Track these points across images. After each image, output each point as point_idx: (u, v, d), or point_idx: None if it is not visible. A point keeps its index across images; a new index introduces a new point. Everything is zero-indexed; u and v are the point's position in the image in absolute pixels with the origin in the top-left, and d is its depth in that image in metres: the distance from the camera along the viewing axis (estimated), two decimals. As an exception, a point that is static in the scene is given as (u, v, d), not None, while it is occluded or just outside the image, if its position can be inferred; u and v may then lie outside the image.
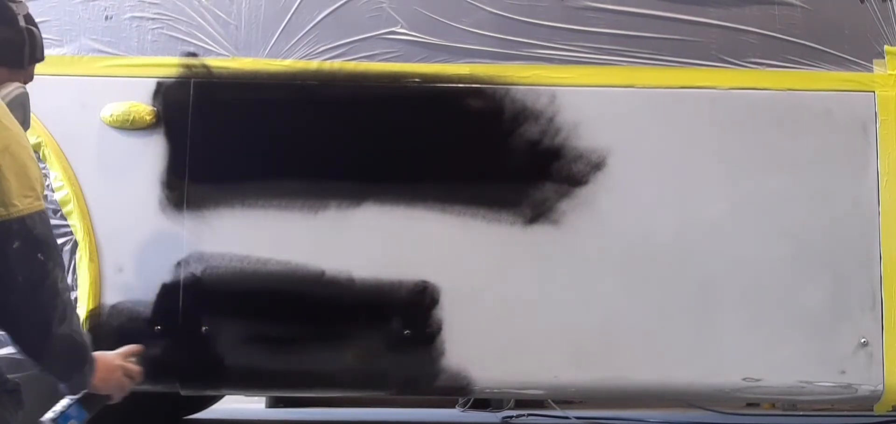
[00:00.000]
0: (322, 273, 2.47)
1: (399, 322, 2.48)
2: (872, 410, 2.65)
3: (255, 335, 2.49)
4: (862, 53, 2.55)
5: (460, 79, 2.53)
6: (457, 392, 2.70)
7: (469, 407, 4.48)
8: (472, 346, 2.47)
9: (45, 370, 1.89)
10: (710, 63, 2.55)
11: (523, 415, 3.90)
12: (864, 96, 2.52)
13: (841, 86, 2.53)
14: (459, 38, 2.56)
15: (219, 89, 2.53)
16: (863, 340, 2.47)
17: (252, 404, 4.94)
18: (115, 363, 2.03)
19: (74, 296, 2.50)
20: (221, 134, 2.52)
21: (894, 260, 2.47)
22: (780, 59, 2.55)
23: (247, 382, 2.57)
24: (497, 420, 3.88)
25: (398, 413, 4.48)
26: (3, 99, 1.87)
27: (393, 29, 2.56)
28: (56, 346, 1.82)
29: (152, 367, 2.47)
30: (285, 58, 2.54)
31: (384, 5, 2.57)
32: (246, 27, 2.57)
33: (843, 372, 2.47)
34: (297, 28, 2.56)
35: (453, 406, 4.54)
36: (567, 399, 3.72)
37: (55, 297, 1.80)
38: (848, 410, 4.36)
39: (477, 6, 2.57)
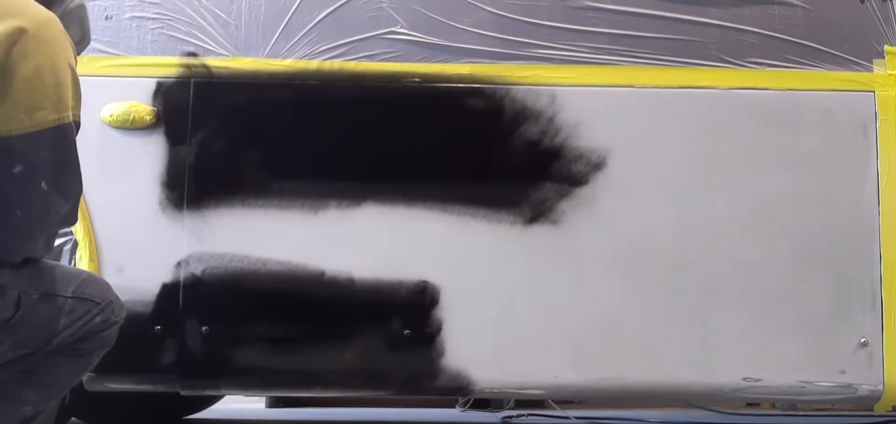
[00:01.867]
0: (322, 273, 2.47)
1: (399, 322, 2.48)
2: (872, 410, 2.65)
3: (255, 335, 2.49)
4: (862, 52, 2.55)
5: (460, 79, 2.53)
6: (457, 392, 2.70)
7: (469, 407, 4.48)
8: (472, 346, 2.47)
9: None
10: (710, 63, 2.55)
11: (523, 415, 3.90)
12: (864, 96, 2.52)
13: (841, 86, 2.53)
14: (459, 38, 2.56)
15: (219, 89, 2.53)
16: (863, 340, 2.47)
17: (252, 404, 4.94)
18: None
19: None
20: (221, 134, 2.52)
21: (894, 260, 2.47)
22: (780, 59, 2.55)
23: (247, 382, 2.56)
24: (497, 420, 3.88)
25: (398, 413, 4.48)
26: (59, 15, 1.63)
27: (393, 29, 2.56)
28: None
29: (152, 367, 2.48)
30: (285, 58, 2.55)
31: (384, 5, 2.57)
32: (246, 27, 2.57)
33: (843, 372, 2.47)
34: (297, 28, 2.56)
35: (453, 406, 4.54)
36: (567, 399, 3.71)
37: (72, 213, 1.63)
38: (848, 410, 4.37)
39: (477, 6, 2.57)
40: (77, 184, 1.63)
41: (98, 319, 1.68)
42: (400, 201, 2.49)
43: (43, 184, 1.52)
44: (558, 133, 2.50)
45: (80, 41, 1.74)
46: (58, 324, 1.62)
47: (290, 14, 2.57)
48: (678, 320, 2.48)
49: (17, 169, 1.49)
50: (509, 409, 4.24)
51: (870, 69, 2.54)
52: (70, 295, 1.66)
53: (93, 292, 1.70)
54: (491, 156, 2.52)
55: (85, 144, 2.48)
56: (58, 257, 2.53)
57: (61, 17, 1.66)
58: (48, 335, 1.61)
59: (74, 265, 2.49)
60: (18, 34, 1.50)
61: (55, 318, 1.61)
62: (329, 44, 2.55)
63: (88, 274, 1.77)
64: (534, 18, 2.57)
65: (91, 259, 2.46)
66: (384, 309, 2.47)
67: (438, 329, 2.47)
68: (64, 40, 1.59)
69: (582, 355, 2.48)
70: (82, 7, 1.76)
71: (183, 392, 2.55)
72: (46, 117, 1.52)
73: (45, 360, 1.63)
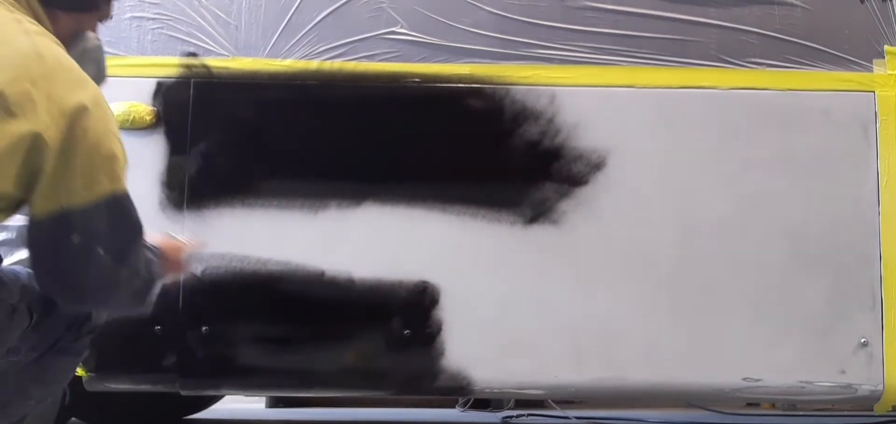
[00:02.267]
0: (322, 273, 2.47)
1: (399, 322, 2.48)
2: (872, 410, 2.65)
3: (255, 335, 2.49)
4: (862, 53, 2.55)
5: (460, 79, 2.53)
6: (457, 392, 2.70)
7: (469, 407, 4.48)
8: (472, 346, 2.47)
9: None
10: (710, 63, 2.55)
11: (523, 415, 3.90)
12: (864, 96, 2.52)
13: (841, 86, 2.53)
14: (459, 38, 2.56)
15: (219, 89, 2.53)
16: (863, 340, 2.47)
17: (252, 404, 4.94)
18: (176, 246, 1.93)
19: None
20: (221, 134, 2.52)
21: (894, 260, 2.47)
22: (780, 59, 2.55)
23: (247, 382, 2.56)
24: (497, 420, 3.88)
25: (398, 413, 4.48)
26: (74, 56, 1.65)
27: (393, 29, 2.56)
28: (144, 297, 1.74)
29: (152, 367, 2.48)
30: (285, 58, 2.54)
31: (384, 5, 2.57)
32: (246, 27, 2.57)
33: (843, 372, 2.47)
34: (297, 28, 2.56)
35: (453, 406, 4.54)
36: (567, 399, 3.72)
37: (135, 273, 1.67)
38: (848, 410, 4.36)
39: (477, 6, 2.57)
40: (135, 250, 1.69)
41: (86, 318, 1.80)
42: (400, 201, 2.49)
43: (100, 250, 1.59)
44: (558, 133, 2.50)
45: (95, 79, 1.75)
46: (60, 326, 1.74)
47: (290, 14, 2.57)
48: (678, 320, 2.48)
49: (76, 239, 1.55)
50: (509, 409, 4.24)
51: (870, 69, 2.54)
52: None
53: None
54: (491, 156, 2.52)
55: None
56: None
57: (78, 58, 1.69)
58: (54, 337, 1.73)
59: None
60: (81, 111, 1.54)
61: (57, 323, 1.73)
62: (329, 44, 2.55)
63: None
64: (534, 18, 2.57)
65: (91, 259, 2.45)
66: (384, 309, 2.47)
67: (438, 329, 2.47)
68: (110, 109, 1.65)
69: (582, 355, 2.48)
70: (99, 48, 1.80)
71: (183, 392, 2.55)
72: (103, 189, 1.58)
73: (49, 359, 1.75)
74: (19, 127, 1.48)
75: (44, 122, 1.50)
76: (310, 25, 2.56)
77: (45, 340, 1.73)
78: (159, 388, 2.53)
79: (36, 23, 1.63)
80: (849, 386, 2.47)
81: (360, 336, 2.49)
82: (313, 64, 2.54)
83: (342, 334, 2.49)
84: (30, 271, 1.69)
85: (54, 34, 1.67)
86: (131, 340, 2.46)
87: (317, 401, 4.93)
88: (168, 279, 1.95)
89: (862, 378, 2.47)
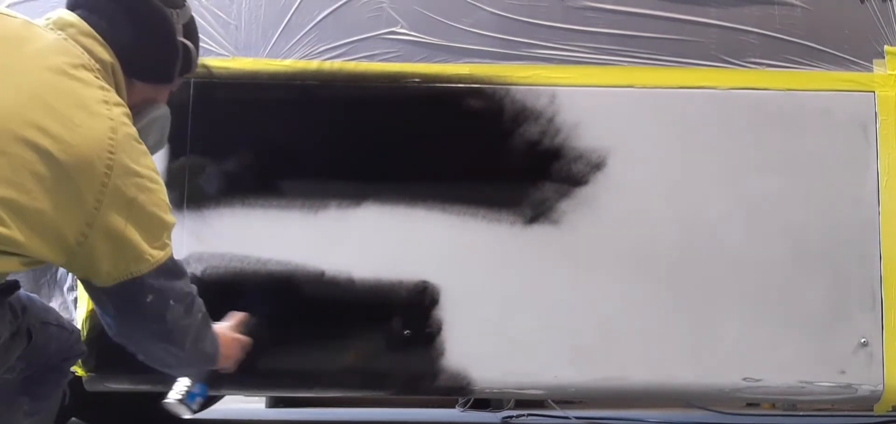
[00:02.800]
0: (322, 273, 2.47)
1: (399, 322, 2.48)
2: (872, 410, 2.65)
3: (255, 336, 2.48)
4: (862, 52, 2.55)
5: (460, 79, 2.53)
6: (457, 392, 2.70)
7: (469, 407, 4.48)
8: (472, 346, 2.47)
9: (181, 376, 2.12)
10: (710, 63, 2.55)
11: (523, 415, 3.91)
12: (864, 96, 2.52)
13: (841, 86, 2.53)
14: (459, 38, 2.56)
15: (219, 89, 2.53)
16: (863, 340, 2.47)
17: (252, 404, 4.94)
18: (232, 339, 2.12)
19: (74, 297, 2.50)
20: (221, 134, 2.52)
21: (894, 260, 2.47)
22: (780, 59, 2.55)
23: (247, 382, 2.56)
24: (497, 420, 3.88)
25: (398, 413, 4.48)
26: (139, 125, 1.77)
27: (393, 29, 2.56)
28: (192, 364, 1.96)
29: (152, 367, 2.48)
30: (285, 58, 2.54)
31: (384, 5, 2.57)
32: (246, 27, 2.57)
33: (843, 372, 2.47)
34: (297, 28, 2.56)
35: (453, 406, 4.54)
36: (567, 399, 3.72)
37: (186, 332, 1.85)
38: (848, 410, 4.36)
39: (477, 6, 2.57)
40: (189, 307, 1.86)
41: (74, 342, 1.91)
42: (400, 201, 2.49)
43: (171, 301, 1.77)
44: (558, 133, 2.50)
45: (156, 145, 1.90)
46: (51, 347, 1.83)
47: (290, 14, 2.57)
48: (678, 320, 2.48)
49: (150, 298, 1.72)
50: (509, 409, 4.24)
51: (870, 69, 2.54)
52: (54, 323, 1.87)
53: (65, 322, 1.94)
54: (491, 156, 2.52)
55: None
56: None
57: (146, 126, 1.83)
58: (45, 356, 1.82)
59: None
60: (139, 192, 1.66)
61: (48, 343, 1.82)
62: (329, 44, 2.55)
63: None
64: (534, 18, 2.57)
65: (91, 259, 2.45)
66: (384, 309, 2.47)
67: (438, 329, 2.47)
68: (161, 180, 1.78)
69: (582, 355, 2.48)
70: (167, 117, 1.92)
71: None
72: (163, 253, 1.74)
73: (41, 376, 1.84)
74: (76, 203, 1.58)
75: (101, 199, 1.60)
76: (310, 25, 2.56)
77: (39, 358, 1.80)
78: (159, 388, 2.53)
79: (113, 90, 1.70)
80: (849, 386, 2.47)
81: (360, 336, 2.49)
82: (313, 64, 2.54)
83: (342, 334, 2.49)
84: (29, 294, 1.83)
85: (129, 101, 1.76)
86: (131, 340, 2.46)
87: (317, 401, 4.93)
88: (224, 366, 2.11)
89: (862, 378, 2.47)
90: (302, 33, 2.56)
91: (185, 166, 2.49)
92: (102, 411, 3.05)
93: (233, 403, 4.60)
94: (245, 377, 2.50)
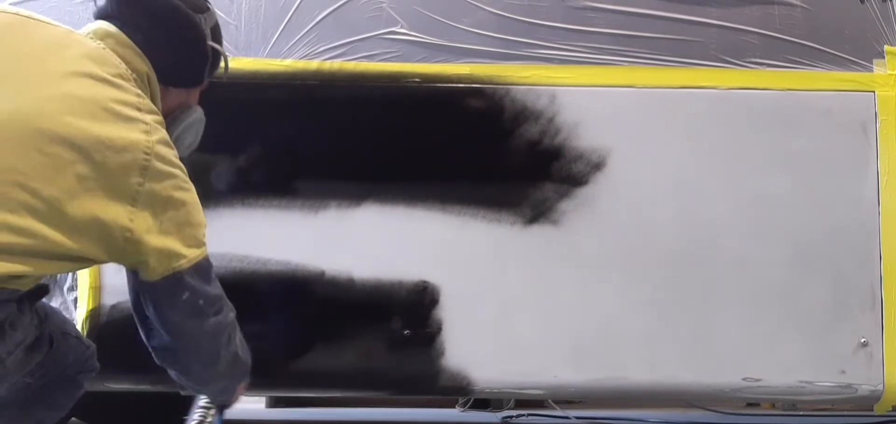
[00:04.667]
0: (322, 273, 2.47)
1: (399, 322, 2.48)
2: (872, 410, 2.65)
3: (255, 335, 2.48)
4: (862, 52, 2.55)
5: (460, 79, 2.53)
6: (457, 392, 2.70)
7: (469, 407, 4.48)
8: (472, 346, 2.47)
9: (208, 395, 2.12)
10: (710, 63, 2.54)
11: (523, 415, 3.90)
12: (864, 96, 2.52)
13: (841, 86, 2.52)
14: (459, 38, 2.56)
15: (219, 89, 2.53)
16: (863, 340, 2.47)
17: (252, 404, 4.94)
18: None
19: (74, 297, 2.50)
20: (221, 134, 2.52)
21: (894, 260, 2.47)
22: (780, 59, 2.55)
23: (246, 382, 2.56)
24: (497, 420, 3.88)
25: (398, 413, 4.48)
26: (177, 130, 1.88)
27: (393, 29, 2.56)
28: (224, 374, 1.98)
29: (152, 367, 2.48)
30: (285, 58, 2.54)
31: (384, 5, 2.57)
32: (246, 27, 2.57)
33: (843, 372, 2.47)
34: (297, 28, 2.56)
35: (453, 406, 4.54)
36: (567, 399, 3.72)
37: (219, 336, 1.89)
38: (848, 410, 4.36)
39: (477, 6, 2.57)
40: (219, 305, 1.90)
41: (89, 356, 1.94)
42: (400, 201, 2.49)
43: (201, 302, 1.81)
44: (558, 133, 2.50)
45: (191, 146, 1.99)
46: (69, 358, 1.86)
47: (290, 14, 2.57)
48: (678, 320, 2.48)
49: (185, 296, 1.77)
50: (509, 409, 4.24)
51: (870, 69, 2.54)
52: (74, 334, 1.91)
53: (83, 336, 1.98)
54: (491, 156, 2.52)
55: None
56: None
57: (183, 130, 1.92)
58: (62, 366, 1.85)
59: (74, 265, 2.50)
60: (175, 189, 1.74)
61: (67, 353, 1.85)
62: (329, 44, 2.55)
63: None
64: (534, 18, 2.57)
65: (91, 259, 2.45)
66: (384, 309, 2.47)
67: (438, 329, 2.47)
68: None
69: (582, 355, 2.48)
70: (201, 120, 2.00)
71: (183, 392, 2.55)
72: (199, 253, 1.79)
73: (57, 385, 1.87)
74: (114, 202, 1.64)
75: (137, 199, 1.67)
76: (310, 25, 2.56)
77: (57, 367, 1.83)
78: (159, 388, 2.53)
79: (148, 98, 1.77)
80: (849, 386, 2.47)
81: (360, 336, 2.50)
82: (313, 64, 2.54)
83: (342, 334, 2.49)
84: (49, 303, 1.88)
85: (164, 107, 1.84)
86: (131, 340, 2.46)
87: (317, 401, 4.92)
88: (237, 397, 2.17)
89: (862, 378, 2.47)
90: (302, 33, 2.56)
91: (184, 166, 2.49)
92: (102, 411, 3.05)
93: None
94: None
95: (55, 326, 1.83)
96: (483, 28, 2.56)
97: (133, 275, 1.78)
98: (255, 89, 2.53)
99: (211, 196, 2.49)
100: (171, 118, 1.88)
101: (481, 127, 2.52)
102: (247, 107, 2.52)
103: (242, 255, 2.47)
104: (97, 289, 2.46)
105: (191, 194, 1.79)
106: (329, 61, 2.54)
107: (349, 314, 2.48)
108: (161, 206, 1.70)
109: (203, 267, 1.81)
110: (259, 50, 2.55)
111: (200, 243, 1.80)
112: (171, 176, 1.72)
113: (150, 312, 1.81)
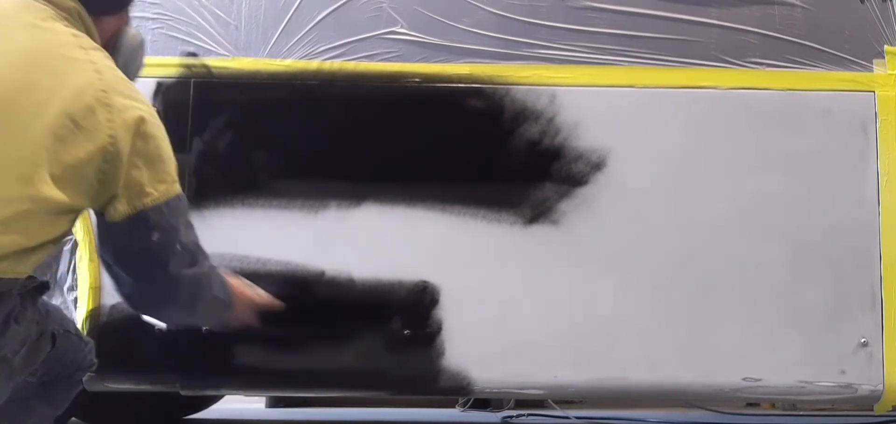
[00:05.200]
0: (322, 273, 2.47)
1: (399, 322, 2.48)
2: (872, 410, 2.65)
3: (256, 335, 2.48)
4: (862, 52, 2.55)
5: (460, 79, 2.53)
6: (457, 392, 2.70)
7: (469, 407, 4.48)
8: (472, 346, 2.47)
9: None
10: (710, 63, 2.55)
11: (523, 415, 3.90)
12: (864, 96, 2.52)
13: (841, 86, 2.53)
14: (459, 38, 2.56)
15: (219, 89, 2.53)
16: (863, 340, 2.47)
17: (252, 404, 4.94)
18: (244, 292, 2.13)
19: (74, 297, 2.50)
20: (221, 134, 2.52)
21: (894, 260, 2.47)
22: (780, 59, 2.55)
23: (247, 382, 2.57)
24: (497, 420, 3.88)
25: (398, 413, 4.48)
26: (121, 59, 1.83)
27: (393, 29, 2.56)
28: (204, 314, 1.96)
29: (152, 367, 2.48)
30: (285, 58, 2.54)
31: (384, 5, 2.57)
32: (246, 27, 2.57)
33: (843, 372, 2.47)
34: (297, 28, 2.56)
35: (453, 406, 4.54)
36: (567, 399, 3.71)
37: (195, 284, 1.85)
38: (848, 410, 4.36)
39: (477, 6, 2.57)
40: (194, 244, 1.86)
41: (88, 353, 1.93)
42: (400, 201, 2.49)
43: (178, 245, 1.77)
44: (558, 133, 2.50)
45: (139, 69, 1.95)
46: (69, 356, 1.86)
47: (290, 14, 2.57)
48: (678, 320, 2.48)
49: (156, 237, 1.73)
50: (509, 409, 4.24)
51: (870, 69, 2.54)
52: (74, 332, 1.91)
53: (83, 334, 1.98)
54: (491, 156, 2.52)
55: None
56: (58, 257, 2.53)
57: (129, 58, 1.88)
58: (62, 363, 1.85)
59: (74, 264, 2.50)
60: (140, 121, 1.70)
61: (68, 350, 1.85)
62: (329, 44, 2.55)
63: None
64: (534, 18, 2.57)
65: (91, 259, 2.45)
66: (384, 309, 2.47)
67: (438, 329, 2.47)
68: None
69: (582, 355, 2.48)
70: (143, 43, 1.96)
71: (183, 392, 2.55)
72: (170, 188, 1.75)
73: (56, 382, 1.87)
74: (88, 145, 1.62)
75: (110, 136, 1.64)
76: (310, 25, 2.56)
77: (59, 364, 1.84)
78: (159, 388, 2.53)
79: (86, 35, 1.75)
80: (849, 386, 2.47)
81: (360, 336, 2.49)
82: (313, 64, 2.54)
83: (342, 334, 2.49)
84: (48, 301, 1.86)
85: (101, 40, 1.81)
86: (131, 340, 2.46)
87: (317, 401, 4.92)
88: (235, 320, 2.10)
89: (862, 378, 2.47)
90: (302, 33, 2.56)
91: (185, 166, 2.49)
92: (102, 411, 3.05)
93: (233, 403, 4.59)
94: (245, 377, 2.51)
95: (57, 323, 1.83)
96: (483, 28, 2.56)
97: (101, 217, 1.75)
98: (255, 89, 2.52)
99: (211, 196, 2.49)
100: (111, 48, 1.84)
101: (481, 127, 2.52)
102: (247, 106, 2.52)
103: (242, 255, 2.47)
104: (97, 289, 2.46)
105: (159, 129, 1.75)
106: (329, 61, 2.54)
107: (349, 314, 2.48)
108: (130, 138, 1.67)
109: (175, 206, 1.76)
110: (259, 50, 2.55)
111: (173, 181, 1.76)
112: (134, 107, 1.69)
113: (122, 256, 1.77)
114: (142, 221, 1.71)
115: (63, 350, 1.83)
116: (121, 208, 1.69)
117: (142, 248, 1.74)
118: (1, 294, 1.61)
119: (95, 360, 1.97)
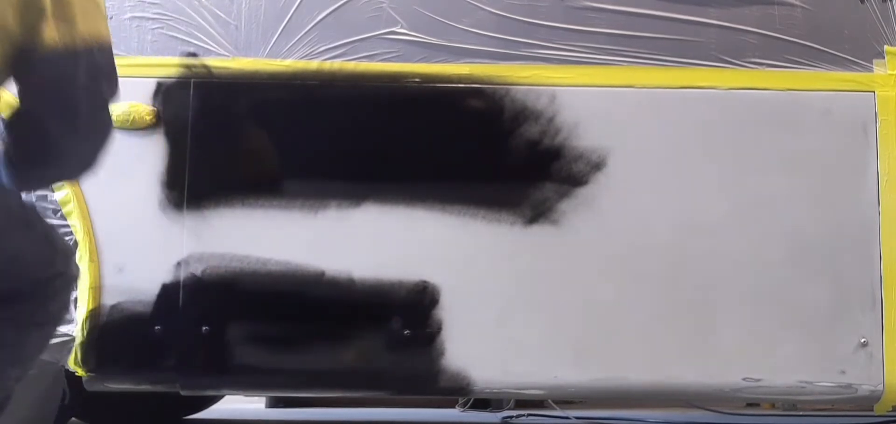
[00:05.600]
0: (322, 273, 2.47)
1: (399, 322, 2.48)
2: (872, 410, 2.65)
3: (256, 335, 2.49)
4: (862, 52, 2.55)
5: (460, 79, 2.53)
6: (457, 392, 2.70)
7: (469, 407, 4.48)
8: (472, 346, 2.47)
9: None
10: (710, 63, 2.54)
11: (523, 415, 3.91)
12: (864, 96, 2.52)
13: (841, 86, 2.52)
14: (459, 38, 2.56)
15: (219, 89, 2.53)
16: (863, 340, 2.47)
17: (252, 404, 4.94)
18: None
19: (74, 297, 2.50)
20: (221, 134, 2.52)
21: (894, 260, 2.47)
22: (780, 59, 2.55)
23: (247, 382, 2.57)
24: (497, 420, 3.88)
25: (398, 413, 4.48)
26: None
27: (393, 29, 2.56)
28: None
29: (152, 367, 2.48)
30: (285, 58, 2.54)
31: (384, 5, 2.57)
32: (246, 27, 2.57)
33: (843, 372, 2.47)
34: (297, 28, 2.56)
35: (453, 406, 4.54)
36: (567, 399, 3.72)
37: (107, 124, 1.66)
38: (848, 410, 4.37)
39: (477, 6, 2.57)
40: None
41: (60, 277, 1.71)
42: (400, 201, 2.49)
43: (104, 91, 1.61)
44: (558, 133, 2.50)
45: None
46: (25, 300, 1.65)
47: (290, 14, 2.57)
48: (678, 320, 2.48)
49: (83, 78, 1.57)
50: (509, 409, 4.24)
51: (870, 69, 2.54)
52: (41, 229, 1.72)
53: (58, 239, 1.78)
54: (491, 156, 2.52)
55: (85, 144, 2.49)
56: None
57: None
58: (22, 317, 1.65)
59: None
60: None
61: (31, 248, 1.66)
62: (329, 44, 2.55)
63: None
64: (534, 18, 2.57)
65: (91, 259, 2.46)
66: (384, 309, 2.47)
67: (438, 329, 2.47)
68: None
69: (582, 355, 2.48)
70: None
71: (183, 392, 2.55)
72: (101, 31, 1.59)
73: (23, 337, 1.67)
74: None
75: None
76: (310, 25, 2.56)
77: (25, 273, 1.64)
78: (159, 388, 2.53)
79: None
80: (849, 386, 2.47)
81: (360, 336, 2.49)
82: (313, 64, 2.54)
83: (342, 334, 2.49)
84: None
85: None
86: (131, 340, 2.46)
87: (317, 401, 4.93)
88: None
89: (862, 378, 2.47)
90: (302, 33, 2.56)
91: (185, 166, 2.49)
92: (102, 411, 3.05)
93: (233, 403, 4.60)
94: (245, 377, 2.51)
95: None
96: (483, 28, 2.56)
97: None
98: (255, 89, 2.53)
99: (211, 196, 2.49)
100: None
101: (481, 127, 2.52)
102: (247, 107, 2.52)
103: (242, 255, 2.47)
104: (97, 289, 2.46)
105: None
106: (329, 61, 2.54)
107: (349, 314, 2.48)
108: None
109: (108, 50, 1.61)
110: (259, 50, 2.55)
111: (107, 25, 1.62)
112: None
113: (45, 92, 1.57)
114: (71, 57, 1.55)
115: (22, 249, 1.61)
116: (48, 38, 1.52)
117: (68, 87, 1.54)
118: None
119: (73, 270, 1.74)
